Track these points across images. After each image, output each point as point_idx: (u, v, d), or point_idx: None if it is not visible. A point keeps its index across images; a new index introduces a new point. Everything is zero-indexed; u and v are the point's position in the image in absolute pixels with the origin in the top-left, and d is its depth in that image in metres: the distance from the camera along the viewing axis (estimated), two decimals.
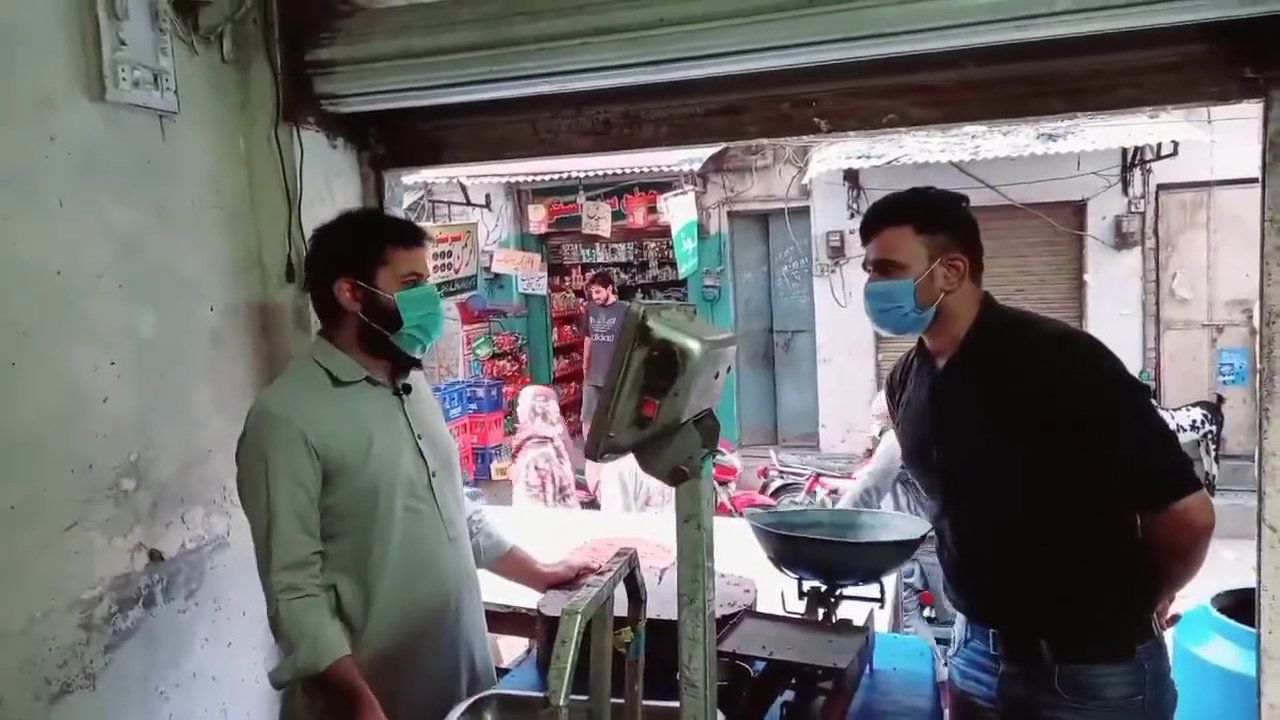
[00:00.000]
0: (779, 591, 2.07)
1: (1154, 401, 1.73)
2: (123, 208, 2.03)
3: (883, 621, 2.62)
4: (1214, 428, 7.17)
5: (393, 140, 2.60)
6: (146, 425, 2.08)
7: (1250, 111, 2.02)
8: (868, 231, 1.85)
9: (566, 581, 2.15)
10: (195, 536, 2.23)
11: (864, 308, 1.89)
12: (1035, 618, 1.77)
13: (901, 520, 2.26)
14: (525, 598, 2.34)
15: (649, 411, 1.07)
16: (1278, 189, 1.96)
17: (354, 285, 1.82)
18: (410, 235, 1.89)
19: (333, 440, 1.76)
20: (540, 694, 1.09)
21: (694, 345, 1.06)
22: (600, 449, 1.09)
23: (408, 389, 1.94)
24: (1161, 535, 1.70)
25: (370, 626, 1.79)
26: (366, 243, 1.84)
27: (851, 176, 8.26)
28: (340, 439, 1.77)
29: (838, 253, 8.56)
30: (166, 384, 2.14)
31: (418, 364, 1.95)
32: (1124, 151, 7.58)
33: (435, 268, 7.50)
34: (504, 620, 2.78)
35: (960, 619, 1.97)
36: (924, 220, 1.79)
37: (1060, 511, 1.73)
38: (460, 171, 7.95)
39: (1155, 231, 7.90)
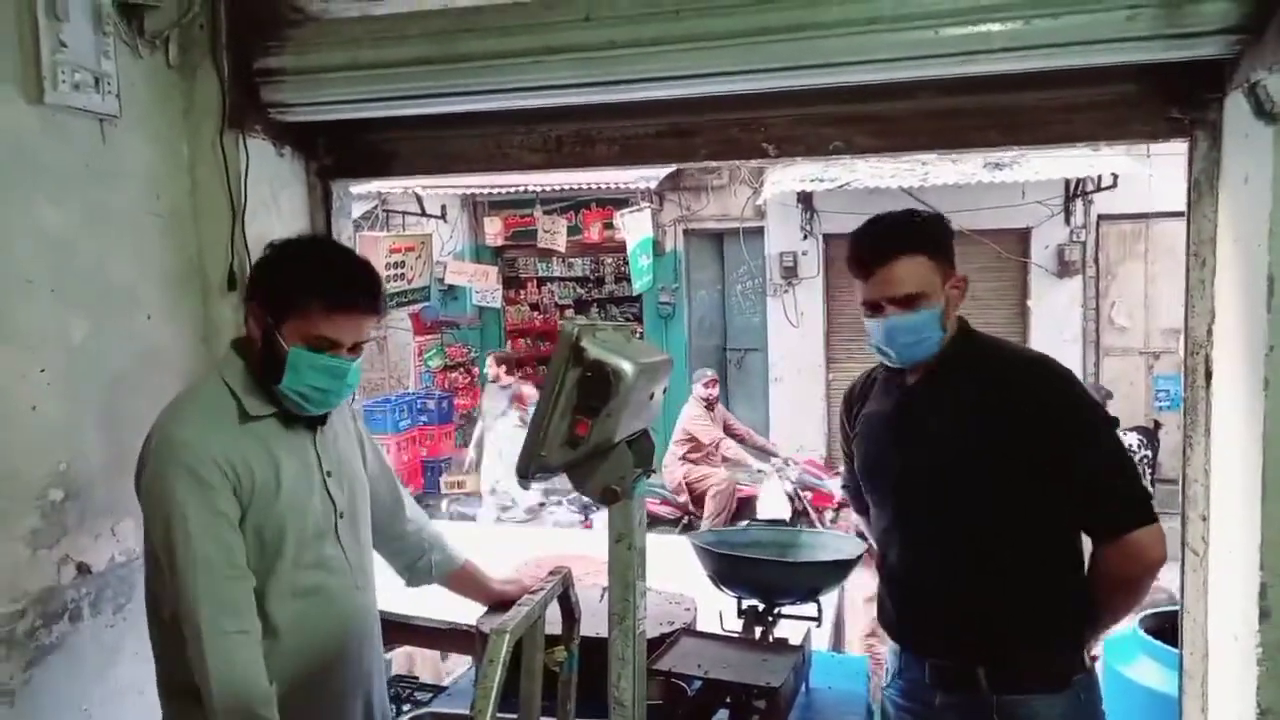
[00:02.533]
0: (718, 610, 2.09)
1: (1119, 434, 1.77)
2: (58, 211, 1.98)
3: (822, 640, 2.65)
4: (1150, 452, 7.39)
5: (341, 150, 2.58)
6: (77, 434, 2.03)
7: (1184, 148, 2.10)
8: (874, 262, 1.76)
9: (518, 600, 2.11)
10: (126, 550, 2.17)
11: (878, 342, 1.80)
12: (975, 647, 1.77)
13: (839, 540, 2.29)
14: (466, 615, 2.32)
15: (581, 431, 1.08)
16: (1201, 225, 2.04)
17: (260, 317, 1.66)
18: (339, 300, 1.65)
19: (244, 472, 1.60)
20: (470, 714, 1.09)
21: (627, 367, 1.07)
22: (531, 468, 1.09)
23: (321, 421, 1.77)
24: (1111, 566, 1.72)
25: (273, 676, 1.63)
26: (293, 281, 1.66)
27: (805, 199, 8.39)
28: (251, 472, 1.61)
29: (791, 273, 8.67)
30: (99, 393, 2.08)
31: (308, 423, 1.74)
32: (1066, 182, 7.81)
33: (388, 277, 7.44)
34: (445, 638, 2.76)
35: (893, 649, 1.96)
36: (934, 246, 1.78)
37: (1012, 536, 1.74)
38: (414, 182, 7.91)
39: (1095, 260, 8.14)
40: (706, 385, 6.85)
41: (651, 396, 1.21)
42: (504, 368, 7.39)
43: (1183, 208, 2.10)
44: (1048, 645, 1.75)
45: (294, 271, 1.69)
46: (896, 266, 1.73)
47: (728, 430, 6.83)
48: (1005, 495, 1.72)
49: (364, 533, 1.86)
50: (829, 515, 6.35)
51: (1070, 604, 1.76)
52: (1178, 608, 2.18)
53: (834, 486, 6.29)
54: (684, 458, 6.71)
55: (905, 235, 1.77)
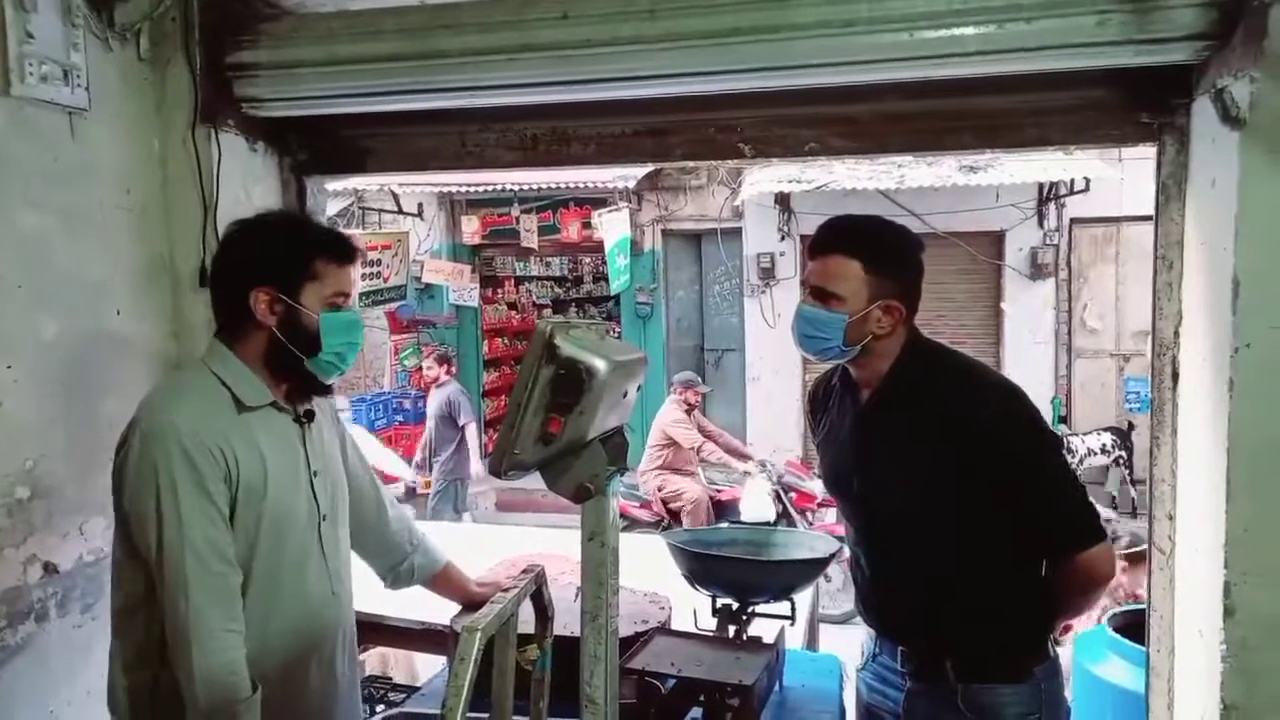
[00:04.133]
0: (692, 609, 2.09)
1: (1066, 454, 1.81)
2: (26, 207, 1.95)
3: (796, 638, 2.66)
4: (1124, 452, 7.50)
5: (316, 146, 2.56)
6: (45, 432, 2.00)
7: (1153, 153, 2.13)
8: (816, 249, 1.80)
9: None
10: (94, 549, 2.14)
11: (790, 324, 1.86)
12: (942, 641, 1.82)
13: (813, 539, 2.30)
14: (440, 614, 2.31)
15: (554, 429, 1.08)
16: (1169, 228, 2.07)
17: (274, 298, 1.60)
18: (344, 250, 1.69)
19: (233, 463, 1.54)
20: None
21: (600, 364, 1.07)
22: (505, 465, 1.09)
23: (310, 415, 1.74)
24: (1064, 583, 1.78)
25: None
26: (295, 252, 1.63)
27: (783, 200, 8.42)
28: (238, 464, 1.55)
29: (768, 274, 8.70)
30: (68, 389, 2.06)
31: (327, 390, 1.75)
32: (1040, 185, 7.90)
33: (364, 276, 7.40)
34: (419, 637, 2.74)
35: (869, 633, 2.01)
36: (875, 259, 1.75)
37: (971, 545, 1.77)
38: (391, 180, 7.86)
39: (1068, 263, 8.25)
40: (682, 391, 6.61)
41: (625, 394, 1.21)
42: (445, 367, 7.27)
43: (1152, 211, 2.14)
44: (1009, 638, 1.80)
45: (292, 240, 1.67)
46: (828, 261, 1.76)
47: (701, 432, 6.72)
48: (958, 518, 1.75)
49: (343, 535, 1.82)
50: (809, 516, 6.32)
51: (1028, 600, 1.81)
52: (1145, 606, 2.21)
53: (815, 487, 6.27)
54: (661, 468, 6.56)
55: (849, 237, 1.78)
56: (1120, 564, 3.00)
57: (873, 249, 1.76)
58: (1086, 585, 1.77)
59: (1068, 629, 1.97)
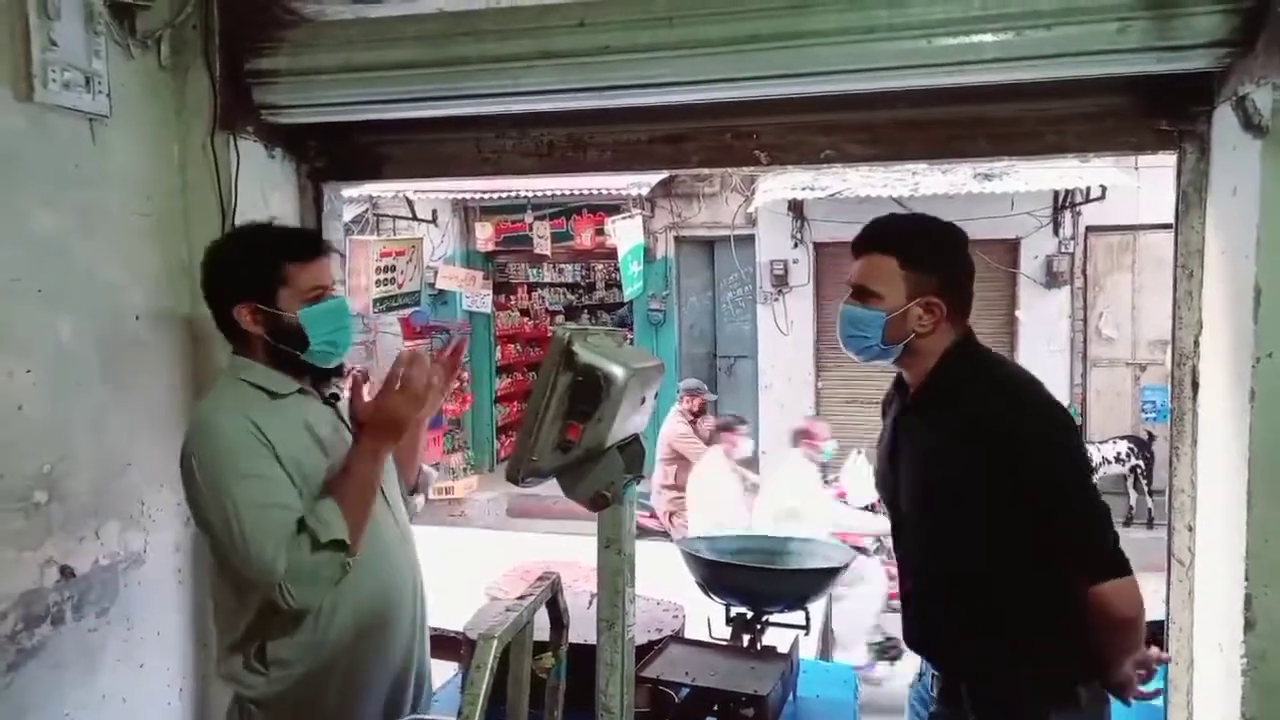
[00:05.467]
0: (706, 617, 2.08)
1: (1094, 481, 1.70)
2: (46, 211, 1.97)
3: (810, 648, 2.65)
4: (1142, 462, 7.42)
5: (333, 153, 2.58)
6: (62, 435, 2.02)
7: (1172, 161, 2.11)
8: (856, 248, 1.77)
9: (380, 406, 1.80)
10: (110, 552, 2.15)
11: (836, 325, 1.81)
12: (959, 660, 1.74)
13: (828, 548, 2.29)
14: (452, 620, 2.31)
15: (572, 436, 1.08)
16: (1189, 237, 2.06)
17: (254, 309, 1.73)
18: (307, 248, 1.79)
19: (284, 446, 1.68)
20: None
21: (618, 371, 1.07)
22: (522, 472, 1.09)
23: (336, 397, 1.88)
24: (1088, 611, 1.63)
25: (334, 627, 1.72)
26: (262, 263, 1.74)
27: (796, 207, 8.41)
28: (291, 444, 1.69)
29: (781, 281, 8.68)
30: (85, 393, 2.07)
31: (339, 372, 1.87)
32: (1055, 194, 7.85)
33: (378, 281, 7.42)
34: (430, 643, 2.74)
35: None
36: (912, 256, 1.70)
37: (991, 554, 1.68)
38: (406, 186, 7.88)
39: (1084, 271, 8.19)
40: (687, 400, 6.31)
41: (643, 401, 1.21)
42: None
43: (1170, 220, 2.12)
44: (1025, 668, 1.67)
45: (257, 253, 1.77)
46: (867, 259, 1.73)
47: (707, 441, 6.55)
48: (982, 523, 1.66)
49: (393, 480, 1.91)
50: None
51: (1049, 631, 1.66)
52: (1163, 618, 2.19)
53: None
54: (672, 485, 6.37)
55: (886, 234, 1.75)
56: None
57: (909, 245, 1.71)
58: (1105, 622, 1.61)
59: (1149, 669, 1.72)
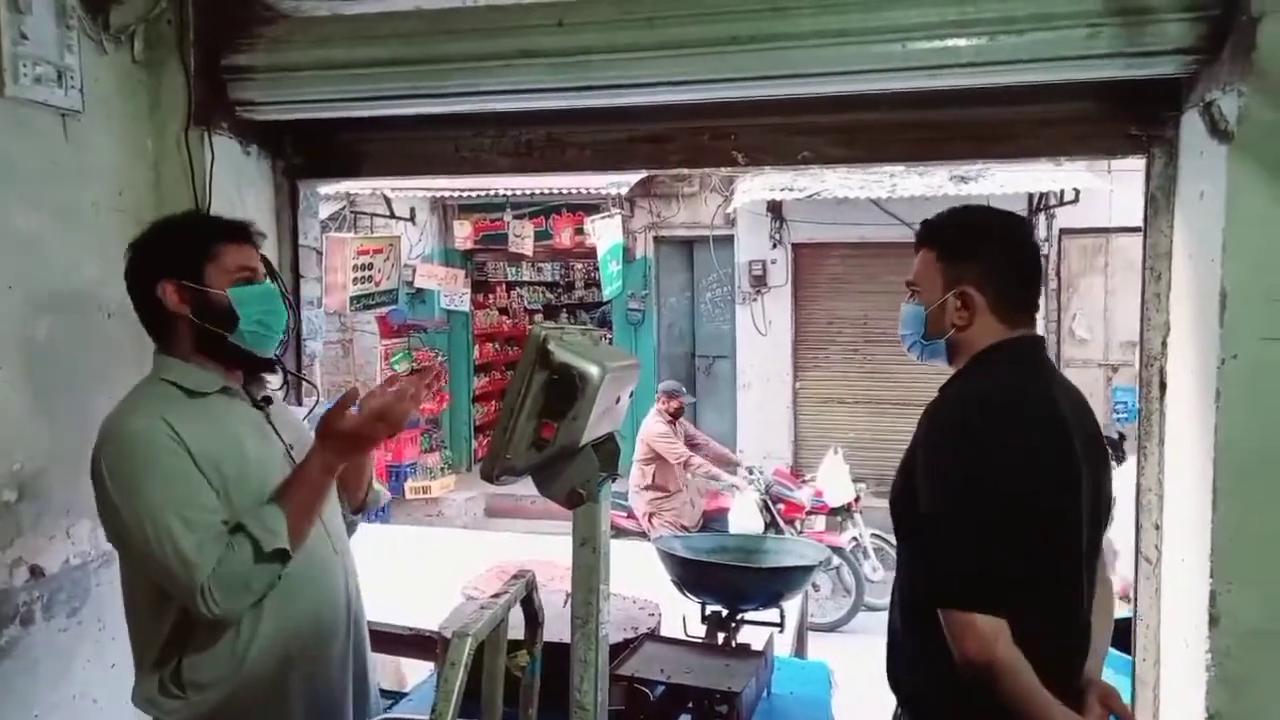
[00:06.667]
0: (682, 615, 2.09)
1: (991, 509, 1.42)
2: (18, 207, 1.95)
3: (785, 646, 2.66)
4: (1114, 462, 7.50)
5: (310, 150, 2.56)
6: (33, 434, 2.00)
7: (1142, 165, 2.15)
8: (917, 246, 1.69)
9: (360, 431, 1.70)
10: (80, 552, 2.13)
11: None
12: (897, 685, 1.62)
13: (803, 546, 2.31)
14: (427, 620, 2.31)
15: (547, 434, 1.08)
16: (1157, 240, 2.09)
17: (179, 286, 1.65)
18: (238, 231, 1.73)
19: (200, 446, 1.59)
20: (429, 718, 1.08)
21: (593, 370, 1.08)
22: (497, 470, 1.09)
23: (268, 400, 1.79)
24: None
25: (255, 647, 1.64)
26: (190, 239, 1.69)
27: (775, 208, 8.44)
28: (209, 446, 1.60)
29: (760, 281, 8.71)
30: (57, 391, 2.05)
31: (270, 366, 1.79)
32: (1030, 196, 7.94)
33: (355, 280, 7.37)
34: (406, 643, 2.73)
35: None
36: (947, 246, 1.62)
37: (919, 580, 1.54)
38: (384, 184, 7.83)
39: (1058, 273, 8.28)
40: (665, 401, 6.28)
41: (618, 400, 1.22)
42: None
43: (1141, 223, 2.15)
44: (952, 703, 1.47)
45: (185, 231, 1.74)
46: (918, 255, 1.67)
47: (688, 441, 6.56)
48: (920, 548, 1.55)
49: (335, 499, 1.84)
50: (798, 524, 6.24)
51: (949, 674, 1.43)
52: (1130, 615, 2.22)
53: (804, 496, 6.23)
54: (650, 486, 6.37)
55: (930, 228, 1.67)
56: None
57: (945, 235, 1.63)
58: (957, 655, 1.39)
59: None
